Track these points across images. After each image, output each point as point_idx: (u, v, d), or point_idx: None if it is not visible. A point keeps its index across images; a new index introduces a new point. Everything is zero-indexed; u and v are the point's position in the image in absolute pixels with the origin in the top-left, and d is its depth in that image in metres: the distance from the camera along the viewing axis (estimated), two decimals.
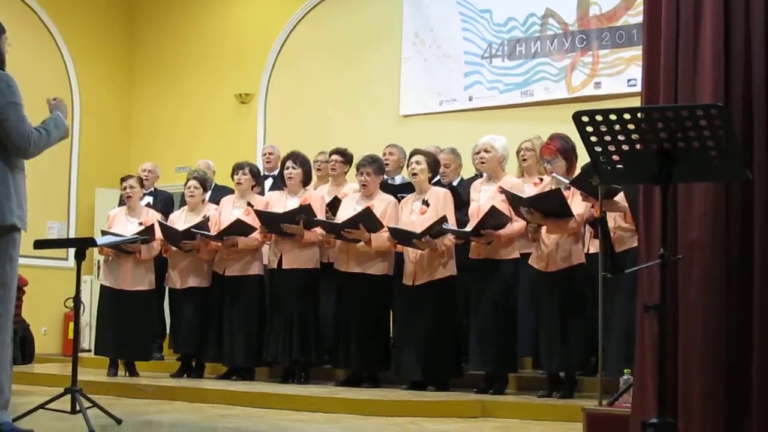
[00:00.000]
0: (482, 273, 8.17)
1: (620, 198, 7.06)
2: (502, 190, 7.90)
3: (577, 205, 7.56)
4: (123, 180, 9.99)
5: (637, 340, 5.00)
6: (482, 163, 8.32)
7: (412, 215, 8.50)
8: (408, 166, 8.68)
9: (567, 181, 7.45)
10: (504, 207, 7.93)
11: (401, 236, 8.39)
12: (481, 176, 8.70)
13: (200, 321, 9.63)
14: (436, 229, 8.13)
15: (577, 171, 7.82)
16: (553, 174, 7.63)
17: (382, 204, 8.75)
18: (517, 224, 7.96)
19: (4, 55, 5.46)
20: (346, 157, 9.61)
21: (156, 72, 14.97)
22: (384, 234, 8.54)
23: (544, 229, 7.74)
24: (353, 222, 8.57)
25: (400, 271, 8.71)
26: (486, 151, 8.24)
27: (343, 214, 8.82)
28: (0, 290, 5.27)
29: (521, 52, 12.11)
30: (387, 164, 9.67)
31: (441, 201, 8.41)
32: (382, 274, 8.80)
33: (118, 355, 9.89)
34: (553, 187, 7.72)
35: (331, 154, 9.76)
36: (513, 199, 7.76)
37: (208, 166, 11.33)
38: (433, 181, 8.82)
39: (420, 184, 8.53)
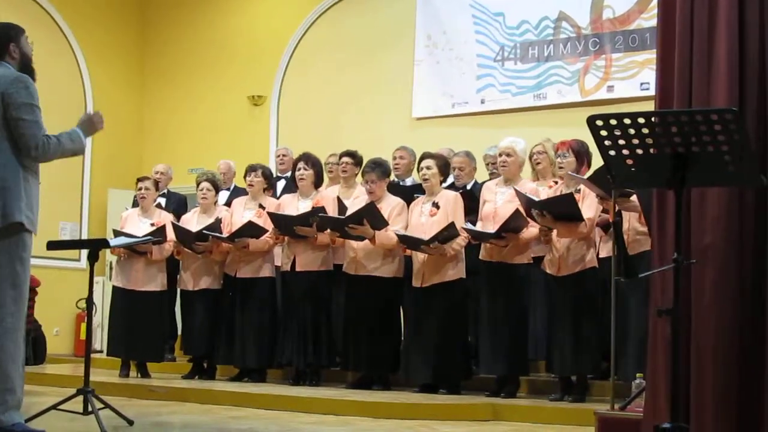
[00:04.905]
0: (494, 276, 8.16)
1: (636, 197, 7.03)
2: (517, 192, 7.88)
3: (588, 208, 7.56)
4: (139, 180, 10.02)
5: (649, 345, 5.00)
6: (504, 166, 8.26)
7: (422, 217, 8.50)
8: (419, 171, 8.66)
9: (583, 179, 7.43)
10: (523, 210, 7.93)
11: (410, 242, 8.40)
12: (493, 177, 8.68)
13: (212, 323, 9.64)
14: (444, 235, 8.12)
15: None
16: (569, 172, 7.61)
17: (389, 206, 8.75)
18: (534, 228, 7.94)
19: (30, 55, 5.58)
20: (356, 159, 9.54)
21: (169, 73, 15.00)
22: (389, 233, 8.56)
23: (554, 232, 7.73)
24: (357, 217, 8.57)
25: (410, 272, 8.71)
26: (508, 155, 8.20)
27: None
28: (12, 290, 5.28)
29: (534, 55, 12.09)
30: (398, 167, 9.69)
31: (451, 204, 8.40)
32: (391, 276, 8.81)
33: (129, 356, 9.91)
34: (566, 188, 7.72)
35: (341, 156, 9.70)
36: (526, 202, 7.75)
37: (229, 167, 11.36)
38: (447, 183, 8.81)
39: (431, 188, 8.53)
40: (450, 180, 9.05)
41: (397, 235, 8.46)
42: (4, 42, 5.51)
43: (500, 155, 8.32)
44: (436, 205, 8.45)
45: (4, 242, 5.28)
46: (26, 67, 5.53)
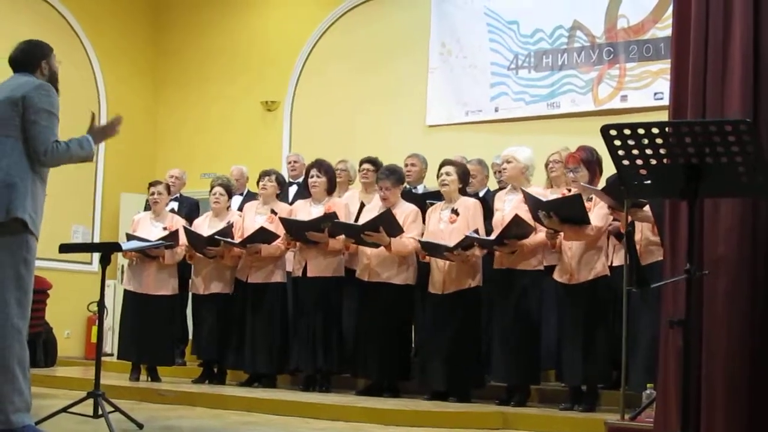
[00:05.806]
0: (505, 284, 8.13)
1: (648, 207, 7.01)
2: (523, 193, 7.85)
3: (596, 216, 7.53)
4: (151, 185, 10.01)
5: (660, 355, 4.98)
6: (504, 172, 8.29)
7: (441, 224, 8.49)
8: (438, 177, 8.65)
9: (597, 190, 7.41)
10: (528, 217, 7.90)
11: (432, 249, 8.38)
12: (504, 187, 8.69)
13: (222, 327, 9.64)
14: (467, 242, 8.12)
15: (601, 184, 7.79)
16: (582, 183, 7.59)
17: (403, 213, 8.74)
18: (540, 234, 7.91)
19: (57, 74, 5.73)
20: (377, 166, 9.54)
21: (182, 78, 15.03)
22: (404, 239, 8.55)
23: (561, 235, 7.71)
24: (373, 224, 8.57)
25: (423, 280, 8.70)
26: (508, 161, 8.21)
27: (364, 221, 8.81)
28: (17, 292, 5.28)
29: (548, 63, 12.09)
30: (409, 174, 9.66)
31: (471, 211, 8.39)
32: (404, 284, 8.80)
33: (140, 359, 9.92)
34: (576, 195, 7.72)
35: (362, 162, 9.76)
36: (532, 202, 7.72)
37: (242, 173, 11.40)
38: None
39: (449, 194, 8.52)
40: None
41: (420, 241, 8.45)
42: (38, 58, 5.69)
43: (501, 163, 8.35)
44: (455, 212, 8.43)
45: (6, 241, 5.29)
46: (52, 84, 5.63)
